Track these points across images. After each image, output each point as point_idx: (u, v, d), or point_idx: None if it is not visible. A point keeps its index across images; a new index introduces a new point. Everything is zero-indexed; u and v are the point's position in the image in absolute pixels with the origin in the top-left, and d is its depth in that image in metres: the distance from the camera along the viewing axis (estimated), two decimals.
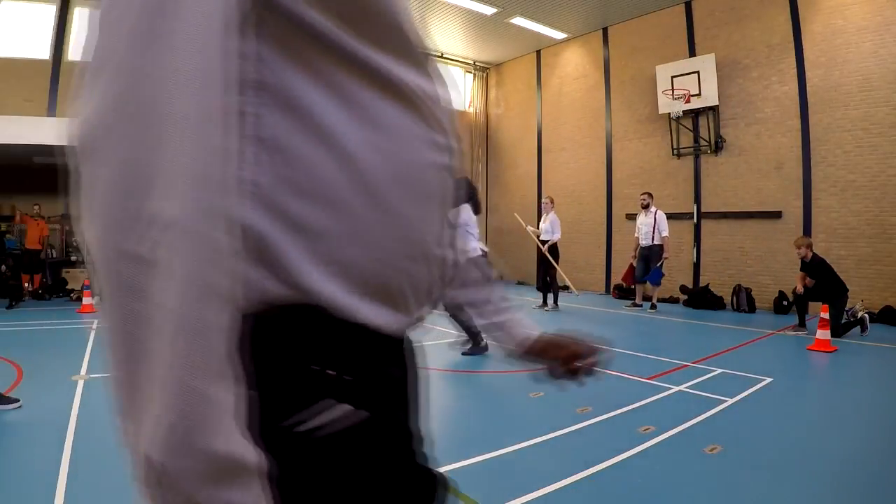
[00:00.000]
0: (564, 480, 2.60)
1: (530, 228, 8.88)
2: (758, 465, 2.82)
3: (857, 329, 6.55)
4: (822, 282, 6.50)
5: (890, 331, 6.92)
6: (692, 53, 9.90)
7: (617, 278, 10.67)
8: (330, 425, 0.52)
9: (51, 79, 9.69)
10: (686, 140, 10.04)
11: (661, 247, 8.66)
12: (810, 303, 6.95)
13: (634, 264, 9.14)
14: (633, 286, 9.53)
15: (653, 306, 8.76)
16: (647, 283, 8.90)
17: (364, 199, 0.54)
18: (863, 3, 7.87)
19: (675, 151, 10.15)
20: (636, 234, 9.09)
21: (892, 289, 7.62)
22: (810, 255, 6.63)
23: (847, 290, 6.51)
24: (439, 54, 13.76)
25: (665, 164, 10.43)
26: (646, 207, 8.84)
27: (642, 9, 10.56)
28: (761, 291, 8.89)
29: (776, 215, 8.85)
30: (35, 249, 9.55)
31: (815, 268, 6.55)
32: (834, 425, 3.54)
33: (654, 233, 8.69)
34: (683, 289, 9.85)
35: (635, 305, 9.04)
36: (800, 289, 6.72)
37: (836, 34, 8.14)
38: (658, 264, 8.63)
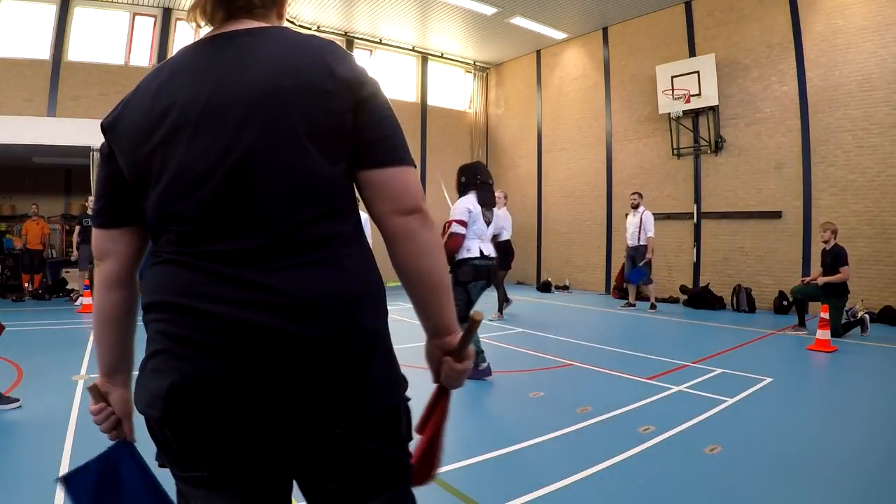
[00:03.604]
0: (564, 480, 2.60)
1: None
2: (758, 465, 2.82)
3: (857, 329, 6.55)
4: (830, 271, 6.44)
5: (890, 331, 6.91)
6: (692, 53, 9.90)
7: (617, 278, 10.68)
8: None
9: (51, 79, 9.70)
10: (686, 140, 10.04)
11: (646, 247, 8.70)
12: (810, 303, 6.95)
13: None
14: (625, 286, 9.55)
15: (652, 306, 8.77)
16: (630, 282, 8.94)
17: None
18: (863, 3, 7.87)
19: (675, 151, 10.15)
20: (626, 235, 9.14)
21: (892, 289, 7.62)
22: (833, 242, 6.53)
23: (848, 291, 6.50)
24: (439, 54, 13.77)
25: (665, 164, 10.43)
26: (635, 207, 8.87)
27: (642, 9, 10.56)
28: (761, 291, 8.89)
29: (776, 215, 8.85)
30: (36, 249, 9.56)
31: (832, 254, 6.46)
32: (834, 425, 3.54)
33: (640, 233, 8.72)
34: (683, 289, 9.85)
35: (629, 305, 9.03)
36: (816, 278, 6.63)
37: (836, 34, 8.14)
38: (641, 263, 8.65)
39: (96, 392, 1.04)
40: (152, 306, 0.92)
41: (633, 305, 8.98)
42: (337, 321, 0.87)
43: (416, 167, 0.96)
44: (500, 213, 8.37)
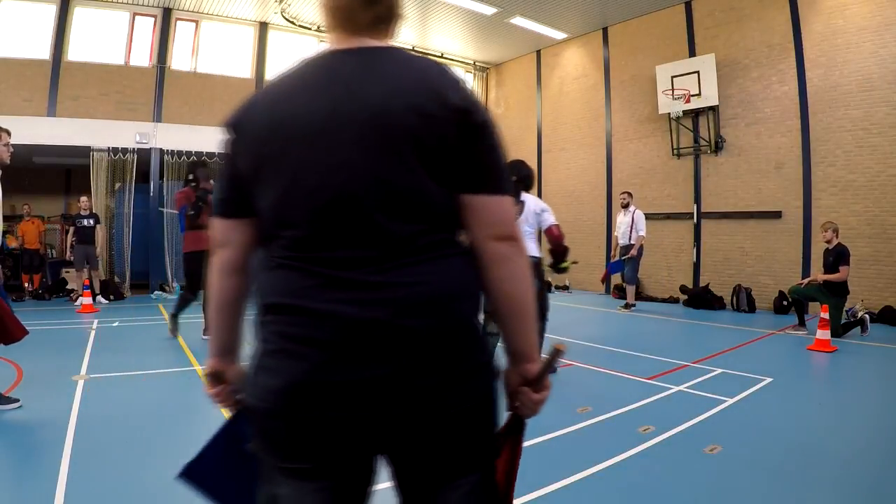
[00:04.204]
0: (564, 480, 2.60)
1: None
2: (758, 465, 2.82)
3: (857, 329, 6.55)
4: (831, 271, 6.42)
5: (890, 331, 6.91)
6: (692, 53, 9.89)
7: (617, 279, 10.67)
8: None
9: (51, 79, 9.69)
10: (686, 140, 10.04)
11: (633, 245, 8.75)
12: (809, 303, 6.95)
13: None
14: (622, 286, 9.57)
15: (626, 306, 8.83)
16: (610, 272, 9.02)
17: None
18: (863, 3, 7.87)
19: (675, 151, 10.15)
20: (615, 233, 9.16)
21: (892, 289, 7.61)
22: (836, 241, 6.51)
23: (847, 291, 6.49)
24: (439, 54, 13.77)
25: (665, 164, 10.43)
26: (625, 206, 8.91)
27: (642, 9, 10.56)
28: (761, 291, 8.88)
29: (776, 215, 8.85)
30: (34, 249, 9.55)
31: (834, 253, 6.44)
32: (834, 425, 3.53)
33: (631, 231, 8.76)
34: (683, 289, 9.84)
35: (629, 306, 9.01)
36: (815, 277, 6.65)
37: (836, 34, 8.14)
38: (623, 258, 8.69)
39: (214, 376, 1.14)
40: (267, 309, 0.98)
41: (633, 305, 8.99)
42: (442, 315, 0.94)
43: (513, 196, 1.02)
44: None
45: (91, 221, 9.02)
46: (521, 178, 4.65)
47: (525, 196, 4.65)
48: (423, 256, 0.95)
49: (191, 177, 6.05)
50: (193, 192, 5.90)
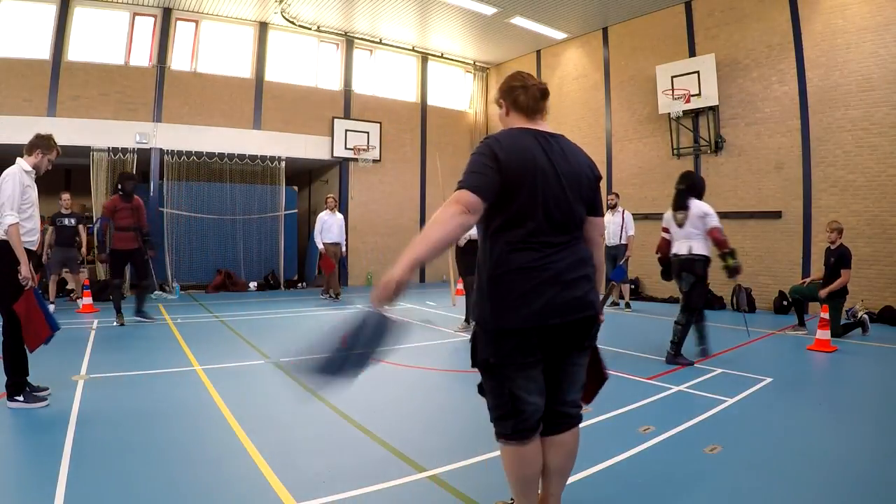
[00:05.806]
0: None
1: None
2: (758, 465, 2.82)
3: (858, 329, 6.54)
4: (832, 272, 6.42)
5: (890, 331, 6.91)
6: (692, 53, 9.90)
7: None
8: None
9: (50, 79, 9.69)
10: (686, 140, 10.04)
11: (626, 245, 8.78)
12: (809, 303, 6.94)
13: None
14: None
15: (627, 305, 8.87)
16: (614, 281, 9.00)
17: None
18: (863, 3, 7.87)
19: (675, 151, 10.15)
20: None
21: (892, 289, 7.62)
22: (838, 242, 6.50)
23: (846, 292, 6.49)
24: (439, 54, 13.77)
25: (665, 164, 10.42)
26: (613, 207, 8.93)
27: (642, 9, 10.56)
28: (761, 291, 8.89)
29: (776, 215, 8.85)
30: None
31: (836, 254, 6.44)
32: (834, 425, 3.53)
33: (621, 232, 8.80)
34: None
35: (613, 304, 9.07)
36: (816, 278, 6.68)
37: (836, 34, 8.14)
38: (622, 261, 8.72)
39: (402, 283, 1.68)
40: (514, 271, 1.81)
41: (617, 304, 9.08)
42: (589, 268, 1.96)
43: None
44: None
45: (72, 221, 8.20)
46: (688, 187, 5.13)
47: (692, 202, 5.02)
48: (582, 243, 1.98)
49: (119, 186, 7.04)
50: (121, 201, 6.88)
